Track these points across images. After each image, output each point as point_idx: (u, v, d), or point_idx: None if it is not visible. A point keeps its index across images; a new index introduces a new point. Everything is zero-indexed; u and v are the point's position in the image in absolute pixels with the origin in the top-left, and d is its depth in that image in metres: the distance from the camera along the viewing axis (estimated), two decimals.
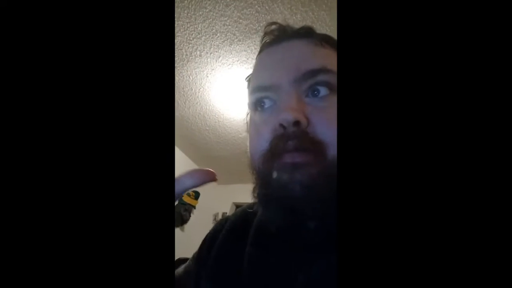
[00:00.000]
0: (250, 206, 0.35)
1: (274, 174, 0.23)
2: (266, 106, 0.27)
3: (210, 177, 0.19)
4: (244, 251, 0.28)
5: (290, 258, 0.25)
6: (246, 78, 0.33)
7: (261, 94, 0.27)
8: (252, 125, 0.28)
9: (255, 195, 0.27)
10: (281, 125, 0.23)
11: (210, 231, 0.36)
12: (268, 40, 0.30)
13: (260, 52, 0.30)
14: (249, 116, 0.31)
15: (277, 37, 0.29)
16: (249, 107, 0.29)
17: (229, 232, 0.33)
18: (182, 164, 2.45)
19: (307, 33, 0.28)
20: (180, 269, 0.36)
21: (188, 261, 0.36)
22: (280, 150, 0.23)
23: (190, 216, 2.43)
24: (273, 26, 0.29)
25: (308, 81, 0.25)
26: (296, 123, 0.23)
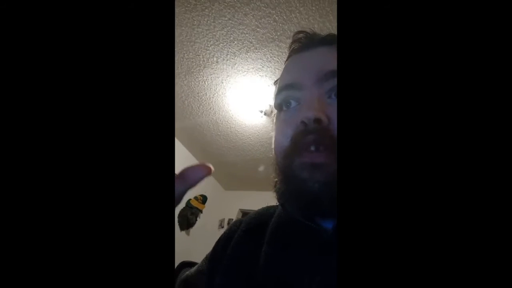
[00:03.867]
0: (269, 207, 0.36)
1: (294, 171, 0.24)
2: (290, 106, 0.28)
3: (203, 173, 0.17)
4: (260, 250, 0.29)
5: (307, 258, 0.25)
6: (274, 82, 0.35)
7: (286, 92, 0.28)
8: (277, 124, 0.30)
9: (276, 190, 0.28)
10: (303, 122, 0.24)
11: (225, 231, 0.37)
12: (295, 47, 0.32)
13: (288, 58, 0.33)
14: (275, 116, 0.32)
15: (304, 44, 0.31)
16: (275, 107, 0.31)
17: (245, 232, 0.33)
18: None
19: (332, 40, 0.30)
20: (192, 270, 0.36)
21: (201, 261, 0.36)
22: (301, 146, 0.24)
23: (196, 220, 2.44)
24: (301, 34, 0.32)
25: (330, 81, 0.26)
26: (317, 120, 0.24)
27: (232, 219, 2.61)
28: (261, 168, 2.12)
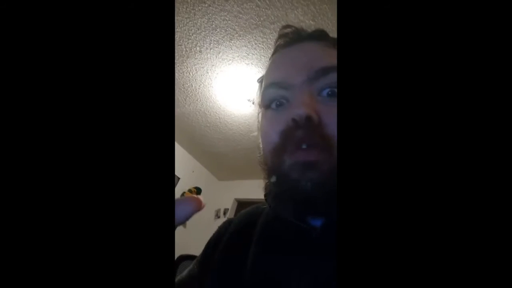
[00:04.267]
0: (258, 206, 0.35)
1: (286, 170, 0.24)
2: (279, 104, 0.28)
3: (192, 209, 0.16)
4: (248, 252, 0.28)
5: (295, 257, 0.25)
6: (258, 80, 0.34)
7: (274, 90, 0.28)
8: (264, 122, 0.29)
9: (267, 193, 0.27)
10: (293, 120, 0.24)
11: (213, 234, 0.36)
12: (282, 43, 0.30)
13: (273, 53, 0.31)
14: (260, 114, 0.31)
15: (291, 39, 0.30)
16: (261, 105, 0.30)
17: (234, 234, 0.33)
18: (183, 160, 2.45)
19: (320, 36, 0.29)
20: (184, 274, 0.36)
21: (192, 265, 0.36)
22: (292, 144, 0.24)
23: None
24: (288, 29, 0.30)
25: (320, 80, 0.25)
26: (308, 118, 0.23)
27: (228, 209, 2.64)
28: (273, 179, 2.12)
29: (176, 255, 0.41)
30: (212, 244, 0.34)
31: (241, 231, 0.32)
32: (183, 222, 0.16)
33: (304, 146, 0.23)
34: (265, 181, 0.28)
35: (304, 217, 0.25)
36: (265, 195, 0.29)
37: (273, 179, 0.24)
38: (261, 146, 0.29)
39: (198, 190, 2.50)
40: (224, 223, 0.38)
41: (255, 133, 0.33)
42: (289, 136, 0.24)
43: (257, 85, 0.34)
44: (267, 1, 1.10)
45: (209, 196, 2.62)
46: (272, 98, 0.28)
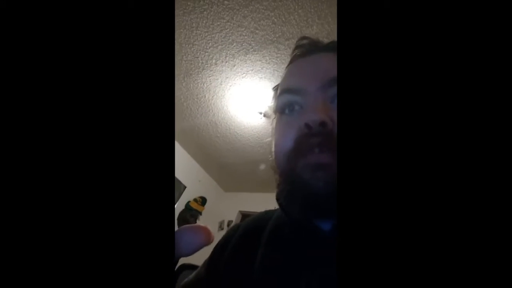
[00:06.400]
0: (267, 211, 0.36)
1: (298, 171, 0.24)
2: (293, 109, 0.28)
3: (202, 242, 0.14)
4: (256, 253, 0.28)
5: (304, 259, 0.25)
6: (273, 88, 0.35)
7: (289, 96, 0.29)
8: (278, 128, 0.30)
9: (278, 192, 0.28)
10: (307, 125, 0.24)
11: (221, 238, 0.37)
12: (298, 53, 0.32)
13: (290, 63, 0.33)
14: (275, 120, 0.32)
15: (308, 50, 0.31)
16: (275, 110, 0.31)
17: (242, 237, 0.33)
18: (190, 169, 2.47)
19: (335, 47, 0.30)
20: (191, 276, 0.36)
21: (199, 268, 0.36)
22: (305, 148, 0.24)
23: (196, 222, 2.43)
24: (305, 41, 0.32)
25: (334, 88, 0.26)
26: (322, 123, 0.24)
27: (232, 221, 2.60)
28: (262, 167, 2.11)
29: (178, 264, 0.41)
30: (220, 247, 0.34)
31: (249, 234, 0.32)
32: (188, 255, 0.13)
33: (317, 151, 0.24)
34: (276, 182, 0.28)
35: (315, 216, 0.26)
36: (277, 197, 0.29)
37: (299, 172, 0.24)
38: (273, 149, 0.30)
39: (203, 200, 2.49)
40: (233, 227, 0.38)
41: (269, 139, 0.34)
42: (302, 141, 0.25)
43: (272, 93, 0.35)
44: (283, 19, 1.13)
45: (214, 207, 2.61)
46: (286, 103, 0.29)
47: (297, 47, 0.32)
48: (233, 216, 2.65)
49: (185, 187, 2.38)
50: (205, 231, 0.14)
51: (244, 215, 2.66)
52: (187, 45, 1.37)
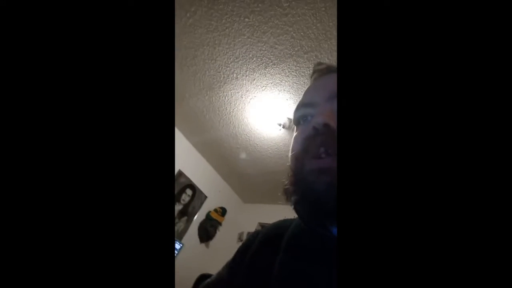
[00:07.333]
0: (286, 219, 0.38)
1: (305, 174, 0.26)
2: (306, 120, 0.32)
3: None
4: (275, 259, 0.30)
5: (321, 267, 0.25)
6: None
7: (303, 109, 0.33)
8: (294, 136, 0.33)
9: (285, 191, 0.30)
10: (314, 128, 0.27)
11: (243, 242, 0.39)
12: (316, 77, 0.37)
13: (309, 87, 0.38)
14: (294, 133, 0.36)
15: (323, 73, 0.36)
16: (294, 123, 0.35)
17: (262, 243, 0.35)
18: (211, 179, 2.51)
19: None
20: (213, 277, 0.38)
21: (222, 268, 0.38)
22: (311, 149, 0.27)
23: (216, 232, 2.44)
24: (321, 66, 0.37)
25: None
26: (326, 125, 0.26)
27: (251, 232, 2.57)
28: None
29: (197, 274, 0.42)
30: (241, 251, 0.37)
31: (269, 241, 0.34)
32: None
33: (322, 154, 0.26)
34: (290, 188, 0.30)
35: (324, 221, 0.27)
36: (292, 204, 0.31)
37: (305, 175, 0.26)
38: (289, 154, 0.33)
39: (223, 211, 2.51)
40: (253, 233, 0.40)
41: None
42: (309, 143, 0.27)
43: (291, 102, 0.40)
44: (302, 33, 1.16)
45: (233, 218, 2.61)
46: (301, 116, 0.33)
47: (314, 71, 0.36)
48: (252, 227, 2.62)
49: (206, 197, 2.42)
50: None
51: (263, 227, 2.61)
52: (210, 61, 1.44)
